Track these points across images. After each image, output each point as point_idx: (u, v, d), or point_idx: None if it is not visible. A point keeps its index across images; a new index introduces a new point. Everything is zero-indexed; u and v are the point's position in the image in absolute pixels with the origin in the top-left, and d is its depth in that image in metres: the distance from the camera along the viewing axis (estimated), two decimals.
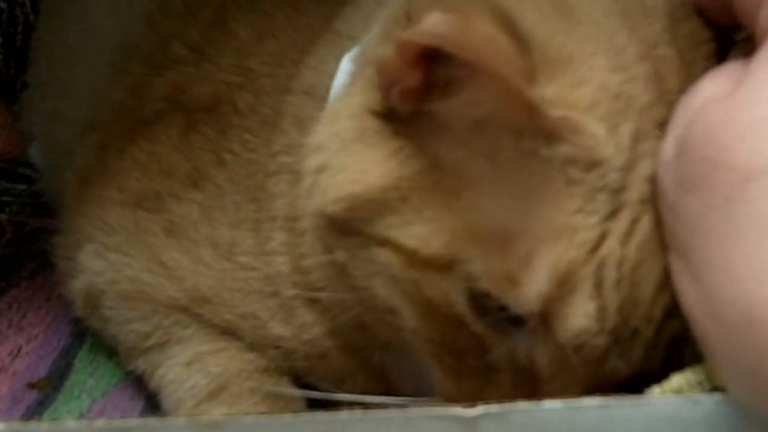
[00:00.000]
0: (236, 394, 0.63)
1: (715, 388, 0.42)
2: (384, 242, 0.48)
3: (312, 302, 0.60)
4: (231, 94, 0.67)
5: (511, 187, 0.45)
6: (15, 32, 0.96)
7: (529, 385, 0.48)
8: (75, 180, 0.75)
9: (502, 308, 0.46)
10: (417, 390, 0.54)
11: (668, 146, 0.43)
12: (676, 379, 0.43)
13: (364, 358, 0.61)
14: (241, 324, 0.64)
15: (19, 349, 0.76)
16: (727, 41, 0.48)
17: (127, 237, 0.68)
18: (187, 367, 0.65)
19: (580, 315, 0.44)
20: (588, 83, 0.45)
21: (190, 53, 0.71)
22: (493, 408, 0.42)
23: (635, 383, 0.45)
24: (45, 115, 0.87)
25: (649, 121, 0.45)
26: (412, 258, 0.47)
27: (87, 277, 0.70)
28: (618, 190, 0.44)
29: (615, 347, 0.45)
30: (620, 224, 0.44)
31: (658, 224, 0.44)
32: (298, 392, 0.63)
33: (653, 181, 0.44)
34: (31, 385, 0.73)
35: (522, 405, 0.42)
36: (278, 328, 0.62)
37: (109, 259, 0.68)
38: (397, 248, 0.48)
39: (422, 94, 0.47)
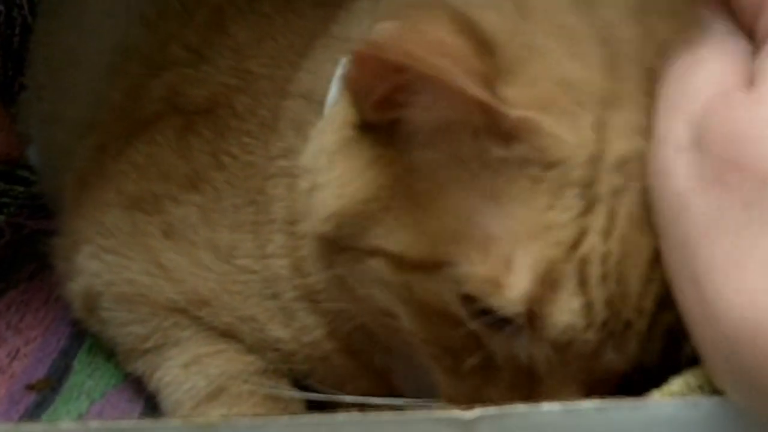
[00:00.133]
0: (235, 396, 0.63)
1: (714, 392, 0.42)
2: (374, 252, 0.49)
3: (312, 305, 0.60)
4: (229, 97, 0.67)
5: (480, 189, 0.46)
6: (13, 34, 0.96)
7: (528, 382, 0.48)
8: (73, 182, 0.75)
9: (491, 310, 0.46)
10: (418, 392, 0.54)
11: (681, 130, 0.42)
12: (676, 383, 0.43)
13: (365, 360, 0.61)
14: (240, 326, 0.64)
15: (18, 351, 0.76)
16: None
17: (125, 239, 0.68)
18: (186, 369, 0.65)
19: (565, 312, 0.44)
20: (546, 80, 0.45)
21: (188, 55, 0.71)
22: (491, 410, 0.42)
23: (637, 379, 0.46)
24: (43, 117, 0.88)
25: (610, 106, 0.45)
26: (401, 263, 0.48)
27: (85, 279, 0.70)
28: (587, 185, 0.44)
29: (609, 341, 0.45)
30: (598, 220, 0.44)
31: (638, 211, 0.44)
32: (298, 394, 0.63)
33: (625, 165, 0.44)
34: (30, 387, 0.73)
35: (520, 407, 0.42)
36: (277, 331, 0.62)
37: (107, 261, 0.68)
38: (386, 255, 0.48)
39: (387, 105, 0.47)
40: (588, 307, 0.44)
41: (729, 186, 0.39)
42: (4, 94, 0.96)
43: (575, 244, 0.44)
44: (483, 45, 0.45)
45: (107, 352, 0.73)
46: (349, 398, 0.55)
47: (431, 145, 0.47)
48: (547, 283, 0.44)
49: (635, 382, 0.46)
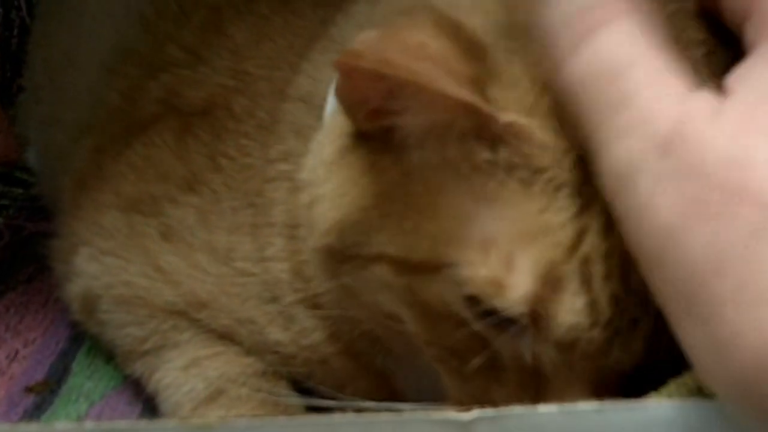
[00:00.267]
0: (234, 398, 0.63)
1: (713, 394, 0.41)
2: (376, 258, 0.49)
3: (312, 308, 0.60)
4: (227, 98, 0.66)
5: (472, 192, 0.45)
6: (11, 36, 0.96)
7: (535, 382, 0.48)
8: (71, 184, 0.75)
9: (494, 311, 0.46)
10: (419, 394, 0.54)
11: (645, 155, 0.38)
12: (675, 386, 0.43)
13: (366, 362, 0.61)
14: (238, 329, 0.64)
15: (17, 353, 0.76)
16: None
17: (123, 241, 0.68)
18: (185, 371, 0.65)
19: (569, 312, 0.44)
20: (530, 81, 0.45)
21: (186, 56, 0.71)
22: (488, 412, 0.42)
23: (646, 379, 0.45)
24: (41, 119, 0.88)
25: None
26: (403, 266, 0.48)
27: (83, 281, 0.70)
28: (580, 185, 0.43)
29: (615, 339, 0.45)
30: (596, 218, 0.43)
31: None
32: (297, 399, 0.63)
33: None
34: (29, 389, 0.73)
35: (517, 409, 0.42)
36: (276, 334, 0.62)
37: (105, 263, 0.68)
38: (388, 260, 0.48)
39: (378, 114, 0.47)
40: (592, 305, 0.44)
41: (733, 215, 0.36)
42: (2, 96, 0.96)
43: (575, 244, 0.44)
44: (470, 48, 0.44)
45: (106, 354, 0.73)
46: (349, 405, 0.55)
47: (423, 149, 0.47)
48: (550, 282, 0.44)
49: (643, 379, 0.46)
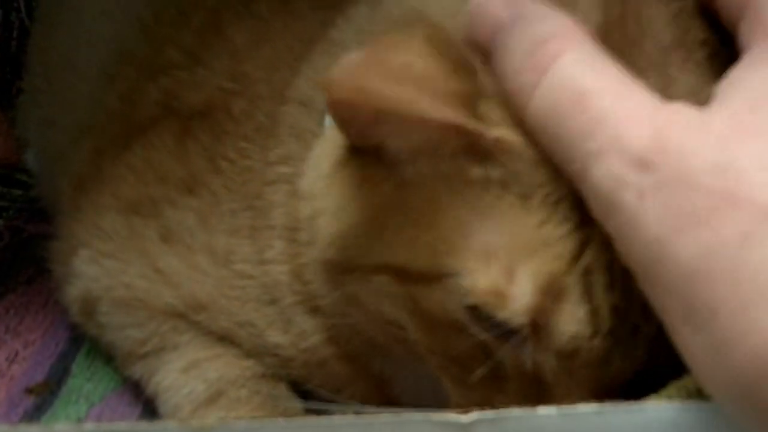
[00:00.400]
0: (234, 400, 0.63)
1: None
2: (378, 269, 0.49)
3: (311, 310, 0.60)
4: (226, 100, 0.66)
5: (469, 205, 0.45)
6: (10, 38, 0.96)
7: (537, 391, 0.48)
8: (70, 186, 0.75)
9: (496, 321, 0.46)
10: (416, 399, 0.54)
11: (626, 171, 0.39)
12: (674, 388, 0.43)
13: (364, 366, 0.61)
14: (238, 331, 0.64)
15: (17, 354, 0.76)
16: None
17: (123, 243, 0.68)
18: (185, 373, 0.65)
19: (571, 321, 0.44)
20: None
21: (185, 58, 0.71)
22: (488, 414, 0.42)
23: (646, 385, 0.45)
24: (41, 121, 0.88)
25: None
26: (405, 276, 0.48)
27: (82, 283, 0.70)
28: (578, 200, 0.43)
29: (616, 348, 0.45)
30: (598, 229, 0.42)
31: None
32: (296, 401, 0.63)
33: None
34: (29, 390, 0.73)
35: (516, 411, 0.42)
36: (275, 336, 0.62)
37: (104, 266, 0.68)
38: (390, 271, 0.48)
39: (368, 131, 0.47)
40: (593, 314, 0.44)
41: (723, 222, 0.37)
42: (2, 98, 0.96)
43: (576, 256, 0.43)
44: (460, 64, 0.44)
45: (105, 355, 0.73)
46: (348, 410, 0.55)
47: (416, 164, 0.47)
48: (551, 293, 0.44)
49: (643, 385, 0.46)
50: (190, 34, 0.72)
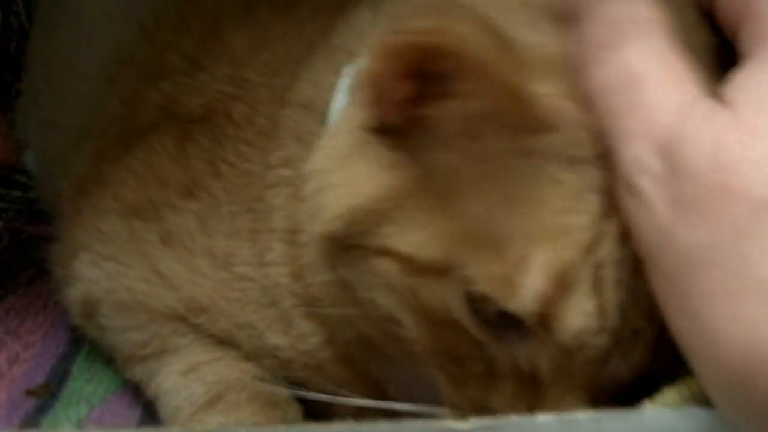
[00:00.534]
0: (234, 403, 0.63)
1: (709, 402, 0.42)
2: (382, 252, 0.49)
3: (311, 313, 0.60)
4: (226, 104, 0.67)
5: (500, 190, 0.45)
6: (10, 40, 0.97)
7: (532, 390, 0.48)
8: (71, 189, 0.75)
9: (501, 313, 0.46)
10: (414, 400, 0.54)
11: (647, 155, 0.41)
12: (669, 393, 0.43)
13: (361, 369, 0.61)
14: (238, 334, 0.64)
15: (18, 356, 0.77)
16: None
17: (123, 246, 0.68)
18: (185, 376, 0.66)
19: (579, 314, 0.44)
20: (571, 79, 0.45)
21: (185, 63, 0.71)
22: (486, 421, 0.42)
23: (642, 389, 0.45)
24: (40, 122, 0.88)
25: None
26: (410, 265, 0.48)
27: (83, 286, 0.70)
28: (607, 191, 0.44)
29: (616, 348, 0.45)
30: (615, 225, 0.43)
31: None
32: (297, 406, 0.64)
33: None
34: (30, 392, 0.73)
35: (514, 419, 0.42)
36: (275, 338, 0.62)
37: (105, 268, 0.69)
38: (395, 256, 0.48)
39: (414, 102, 0.47)
40: (601, 310, 0.44)
41: (719, 214, 0.38)
42: (1, 100, 0.97)
43: (591, 247, 0.44)
44: (506, 46, 0.44)
45: (106, 357, 0.74)
46: (346, 401, 0.56)
47: (456, 144, 0.47)
48: (562, 284, 0.44)
49: (639, 388, 0.46)
50: (190, 39, 0.72)
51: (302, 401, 0.64)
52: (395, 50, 0.45)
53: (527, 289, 0.44)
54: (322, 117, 0.56)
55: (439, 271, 0.47)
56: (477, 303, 0.46)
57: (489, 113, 0.45)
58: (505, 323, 0.46)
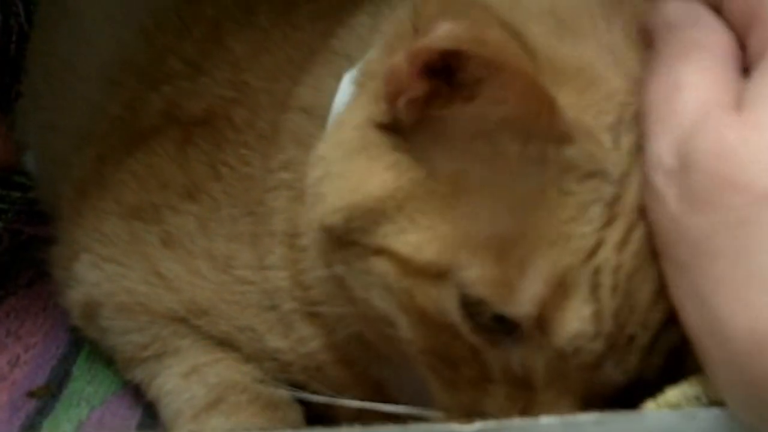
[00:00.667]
0: (234, 405, 0.63)
1: (712, 402, 0.42)
2: (380, 251, 0.49)
3: (311, 316, 0.60)
4: (226, 109, 0.67)
5: (507, 196, 0.46)
6: (9, 41, 0.96)
7: (525, 395, 0.48)
8: (71, 191, 0.76)
9: (496, 317, 0.46)
10: (414, 403, 0.54)
11: (666, 152, 0.42)
12: (672, 393, 0.44)
13: (361, 371, 0.61)
14: (238, 336, 0.64)
15: (18, 358, 0.77)
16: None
17: (124, 248, 0.68)
18: (185, 378, 0.66)
19: (576, 319, 0.45)
20: (595, 92, 0.45)
21: (186, 67, 0.71)
22: (490, 424, 0.42)
23: (633, 394, 0.46)
24: (40, 125, 0.88)
25: None
26: (407, 266, 0.48)
27: (84, 288, 0.70)
28: (612, 202, 0.44)
29: (610, 354, 0.46)
30: (615, 233, 0.44)
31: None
32: (297, 408, 0.64)
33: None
34: (31, 394, 0.73)
35: (518, 421, 0.43)
36: (275, 341, 0.63)
37: (106, 271, 0.69)
38: (392, 256, 0.48)
39: (427, 103, 0.47)
40: (597, 315, 0.45)
41: (722, 205, 0.39)
42: (1, 101, 0.96)
43: (591, 254, 0.44)
44: (529, 51, 0.45)
45: (106, 358, 0.74)
46: (346, 402, 0.56)
47: (466, 147, 0.47)
48: (560, 288, 0.44)
49: (630, 393, 0.46)
50: (191, 44, 0.72)
51: (303, 403, 0.64)
52: (424, 54, 0.45)
53: (525, 293, 0.45)
54: (322, 121, 0.56)
55: (436, 273, 0.47)
56: (472, 307, 0.47)
57: (509, 119, 0.45)
58: (500, 327, 0.46)
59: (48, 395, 0.73)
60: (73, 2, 0.85)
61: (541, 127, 0.45)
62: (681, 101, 0.43)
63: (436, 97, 0.47)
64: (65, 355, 0.77)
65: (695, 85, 0.43)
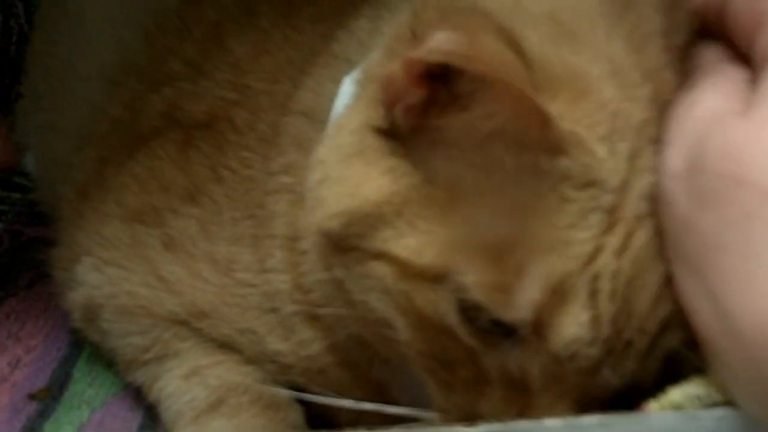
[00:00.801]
0: (236, 406, 0.63)
1: (715, 402, 0.43)
2: (378, 255, 0.49)
3: (312, 319, 0.60)
4: (228, 111, 0.67)
5: (505, 202, 0.46)
6: (10, 43, 0.96)
7: (521, 397, 0.48)
8: (72, 193, 0.75)
9: (494, 321, 0.46)
10: (414, 405, 0.54)
11: (675, 158, 0.44)
12: (674, 393, 0.44)
13: (362, 373, 0.61)
14: (239, 339, 0.64)
15: (19, 360, 0.77)
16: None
17: (125, 251, 0.68)
18: (186, 380, 0.66)
19: (573, 324, 0.45)
20: (589, 102, 0.45)
21: (187, 69, 0.71)
22: (495, 426, 0.43)
23: (629, 397, 0.46)
24: (40, 126, 0.88)
25: (646, 139, 0.46)
26: (405, 269, 0.48)
27: (85, 290, 0.70)
28: (612, 210, 0.44)
29: (607, 359, 0.46)
30: (614, 239, 0.44)
31: (656, 238, 0.45)
32: (298, 410, 0.64)
33: (651, 196, 0.45)
34: (32, 396, 0.73)
35: (522, 424, 0.43)
36: (276, 344, 0.63)
37: (107, 273, 0.69)
38: (391, 260, 0.48)
39: (424, 110, 0.48)
40: (595, 321, 0.45)
41: (730, 200, 0.40)
42: (1, 103, 0.96)
43: (589, 260, 0.44)
44: (526, 60, 0.45)
45: (107, 360, 0.74)
46: (346, 402, 0.56)
47: (464, 155, 0.47)
48: (558, 294, 0.44)
49: (626, 397, 0.47)
50: (191, 45, 0.72)
51: (304, 404, 0.64)
52: (419, 64, 0.46)
53: (522, 297, 0.45)
54: (322, 125, 0.56)
55: (434, 277, 0.47)
56: (470, 311, 0.47)
57: (502, 131, 0.46)
58: (498, 331, 0.47)
59: (49, 397, 0.73)
60: (74, 3, 0.85)
61: (533, 139, 0.45)
62: (694, 113, 0.44)
63: (432, 105, 0.47)
64: (66, 357, 0.77)
65: (709, 99, 0.44)
